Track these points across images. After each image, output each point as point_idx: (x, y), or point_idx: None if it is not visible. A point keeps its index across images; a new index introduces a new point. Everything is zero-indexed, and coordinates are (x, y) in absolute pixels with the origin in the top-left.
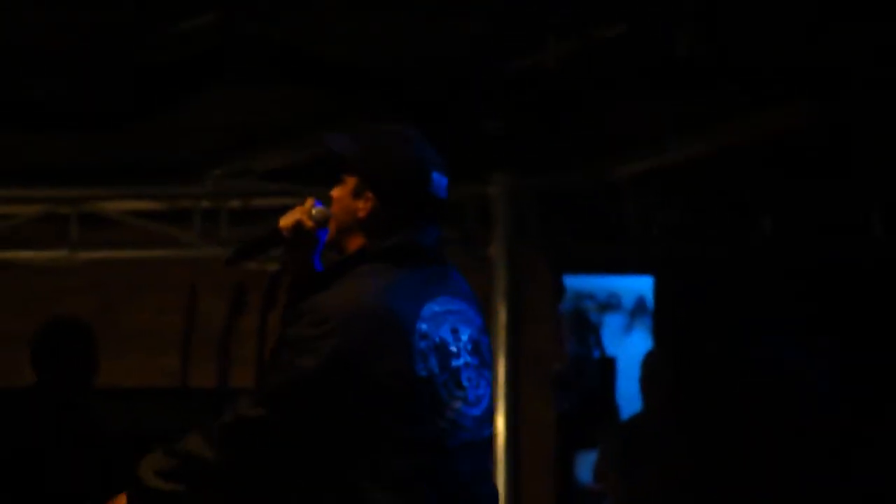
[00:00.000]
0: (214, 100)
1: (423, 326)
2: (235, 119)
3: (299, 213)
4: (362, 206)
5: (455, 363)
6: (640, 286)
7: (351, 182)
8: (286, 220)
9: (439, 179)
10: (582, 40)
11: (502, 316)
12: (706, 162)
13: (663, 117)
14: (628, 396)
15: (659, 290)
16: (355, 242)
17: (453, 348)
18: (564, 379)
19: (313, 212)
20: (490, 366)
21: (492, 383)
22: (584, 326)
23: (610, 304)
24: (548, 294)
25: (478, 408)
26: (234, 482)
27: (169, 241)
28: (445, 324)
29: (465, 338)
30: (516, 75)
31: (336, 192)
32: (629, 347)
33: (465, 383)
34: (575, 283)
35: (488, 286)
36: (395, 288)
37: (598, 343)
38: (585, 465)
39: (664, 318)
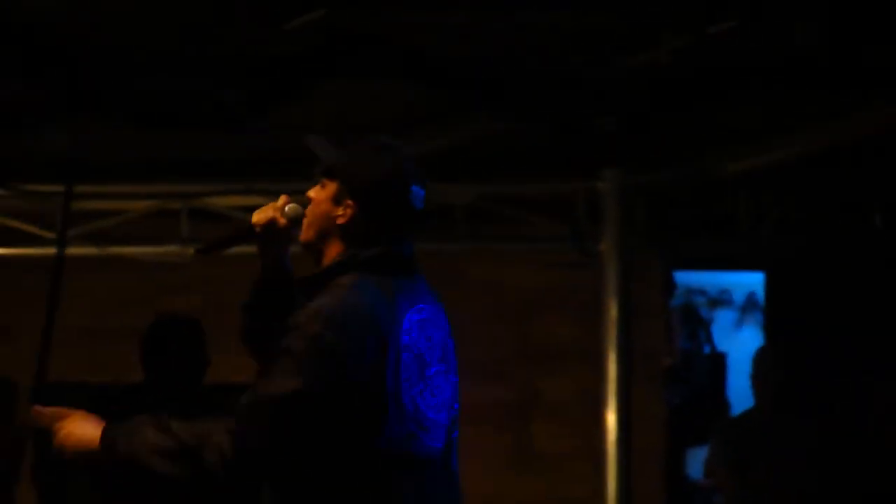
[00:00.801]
0: (325, 95)
1: (405, 338)
2: (346, 114)
3: (272, 211)
4: (342, 213)
5: (429, 372)
6: (751, 282)
7: (331, 187)
8: (259, 217)
9: (418, 191)
10: (695, 35)
11: (613, 312)
12: (818, 157)
13: (775, 113)
14: (739, 392)
15: (770, 286)
16: (334, 248)
17: (428, 358)
18: (675, 374)
19: (287, 209)
20: (455, 369)
21: (455, 387)
22: (695, 322)
23: (721, 299)
24: (658, 290)
25: (444, 412)
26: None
27: None
28: (423, 333)
29: (436, 344)
30: (628, 71)
31: (314, 194)
32: (739, 343)
33: (436, 391)
34: (686, 278)
35: (599, 282)
36: (380, 298)
37: (709, 338)
38: (696, 461)
39: (775, 314)
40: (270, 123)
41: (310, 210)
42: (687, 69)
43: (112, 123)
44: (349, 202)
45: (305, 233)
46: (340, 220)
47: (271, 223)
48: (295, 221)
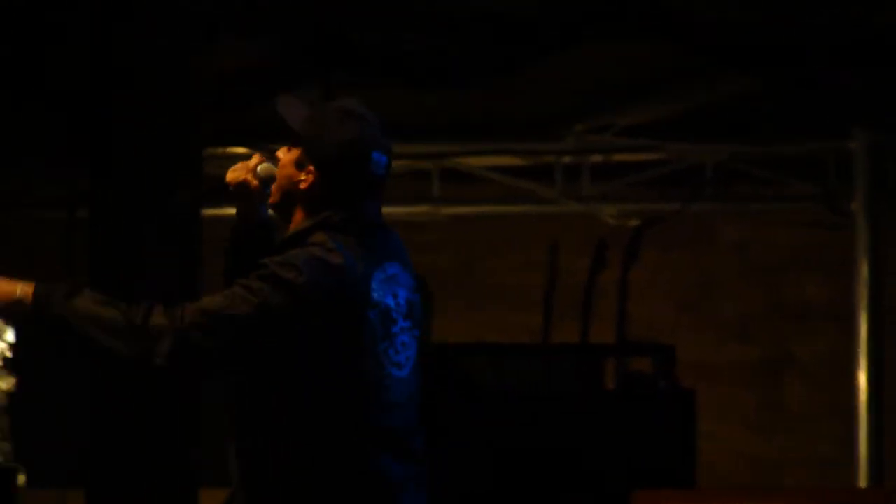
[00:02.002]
0: (577, 56)
1: (375, 296)
2: (597, 75)
3: (244, 172)
4: (304, 179)
5: (394, 329)
6: None
7: (295, 151)
8: (231, 176)
9: (379, 158)
10: None
11: (864, 271)
12: None
13: None
14: None
15: None
16: (298, 213)
17: (394, 315)
18: None
19: (259, 169)
20: (421, 324)
21: (419, 342)
22: None
23: None
24: None
25: (406, 368)
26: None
27: (531, 196)
28: (389, 290)
29: (402, 301)
30: (876, 31)
31: (282, 154)
32: None
33: (399, 348)
34: None
35: (850, 242)
36: (349, 255)
37: None
38: None
39: None
40: (521, 84)
41: (278, 172)
42: None
43: (362, 85)
44: (310, 168)
45: (274, 195)
46: (303, 186)
47: (242, 184)
48: (267, 181)
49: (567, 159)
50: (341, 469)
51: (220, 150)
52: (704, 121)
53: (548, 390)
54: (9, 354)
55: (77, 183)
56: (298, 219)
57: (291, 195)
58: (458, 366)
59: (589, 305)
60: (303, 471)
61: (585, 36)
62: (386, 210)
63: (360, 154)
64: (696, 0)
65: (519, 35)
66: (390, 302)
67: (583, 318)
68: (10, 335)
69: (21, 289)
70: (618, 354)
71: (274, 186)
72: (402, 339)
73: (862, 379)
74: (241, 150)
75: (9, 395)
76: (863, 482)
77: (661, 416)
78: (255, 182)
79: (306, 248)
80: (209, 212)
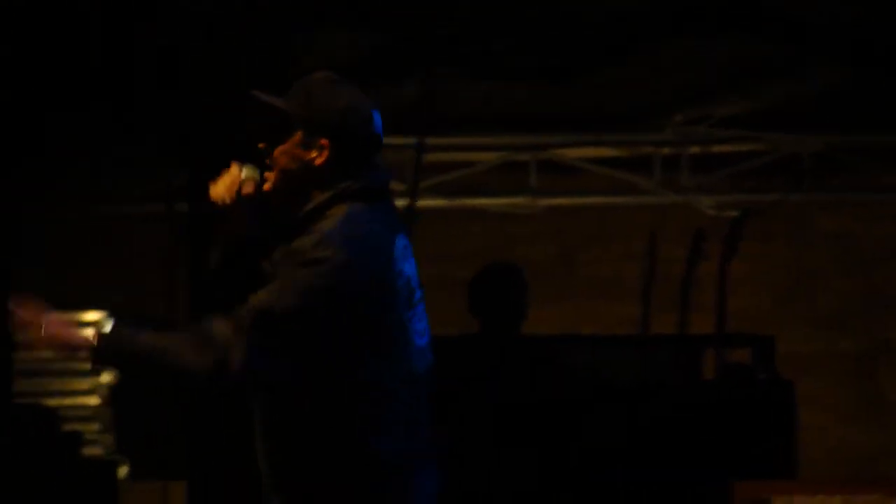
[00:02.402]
0: (674, 47)
1: (398, 264)
2: (696, 66)
3: (225, 192)
4: (317, 154)
5: (415, 298)
6: None
7: (297, 136)
8: (215, 194)
9: (377, 116)
10: None
11: None
12: None
13: None
14: None
15: None
16: (308, 191)
17: (413, 283)
18: None
19: (242, 175)
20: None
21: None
22: None
23: None
24: None
25: (424, 337)
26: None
27: (629, 188)
28: (406, 259)
29: (415, 271)
30: None
31: (280, 150)
32: None
33: (420, 317)
34: None
35: None
36: (377, 225)
37: None
38: None
39: None
40: (619, 75)
41: (278, 167)
42: None
43: (462, 76)
44: (322, 142)
45: (278, 193)
46: (318, 162)
47: (223, 203)
48: (257, 186)
49: (665, 150)
50: (374, 450)
51: None
52: (802, 111)
53: (646, 382)
54: None
55: (175, 176)
56: (315, 193)
57: (305, 180)
58: (555, 357)
59: (687, 296)
60: (333, 454)
61: (685, 28)
62: (483, 201)
63: (363, 115)
64: None
65: (619, 27)
66: (409, 270)
67: (681, 309)
68: (109, 328)
69: (84, 333)
70: (716, 345)
71: (272, 183)
72: (420, 308)
73: None
74: None
75: (111, 388)
76: None
77: (761, 407)
78: (229, 200)
79: (328, 220)
80: None
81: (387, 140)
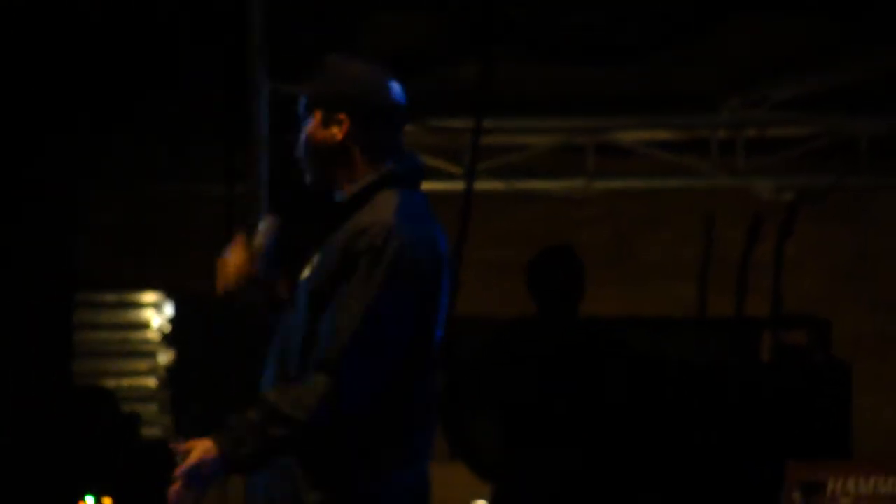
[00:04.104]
0: (732, 30)
1: (442, 249)
2: (753, 49)
3: (233, 276)
4: (338, 130)
5: (446, 287)
6: None
7: (317, 116)
8: (224, 280)
9: (395, 84)
10: None
11: None
12: None
13: None
14: None
15: None
16: (348, 167)
17: (448, 269)
18: None
19: (260, 227)
20: None
21: None
22: None
23: None
24: None
25: (441, 329)
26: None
27: (685, 170)
28: (443, 245)
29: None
30: None
31: (306, 135)
32: None
33: (442, 308)
34: None
35: None
36: (424, 211)
37: None
38: None
39: None
40: (676, 58)
41: (306, 148)
42: None
43: (520, 58)
44: (340, 117)
45: (312, 172)
46: (339, 136)
47: (225, 291)
48: (260, 255)
49: (722, 133)
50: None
51: None
52: (859, 94)
53: (703, 363)
54: (168, 330)
55: (235, 158)
56: (351, 173)
57: (332, 157)
58: (612, 340)
59: (744, 279)
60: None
61: (742, 9)
62: (540, 184)
63: (377, 83)
64: None
65: (676, 9)
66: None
67: (738, 291)
68: (168, 309)
69: (207, 450)
70: (773, 327)
71: (306, 161)
72: (444, 300)
73: None
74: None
75: (168, 369)
76: None
77: (817, 389)
78: (222, 289)
79: (378, 208)
80: None
81: (443, 123)
